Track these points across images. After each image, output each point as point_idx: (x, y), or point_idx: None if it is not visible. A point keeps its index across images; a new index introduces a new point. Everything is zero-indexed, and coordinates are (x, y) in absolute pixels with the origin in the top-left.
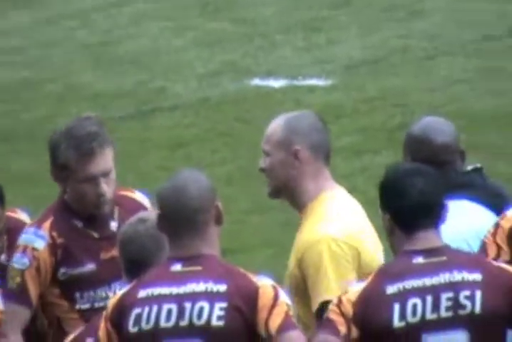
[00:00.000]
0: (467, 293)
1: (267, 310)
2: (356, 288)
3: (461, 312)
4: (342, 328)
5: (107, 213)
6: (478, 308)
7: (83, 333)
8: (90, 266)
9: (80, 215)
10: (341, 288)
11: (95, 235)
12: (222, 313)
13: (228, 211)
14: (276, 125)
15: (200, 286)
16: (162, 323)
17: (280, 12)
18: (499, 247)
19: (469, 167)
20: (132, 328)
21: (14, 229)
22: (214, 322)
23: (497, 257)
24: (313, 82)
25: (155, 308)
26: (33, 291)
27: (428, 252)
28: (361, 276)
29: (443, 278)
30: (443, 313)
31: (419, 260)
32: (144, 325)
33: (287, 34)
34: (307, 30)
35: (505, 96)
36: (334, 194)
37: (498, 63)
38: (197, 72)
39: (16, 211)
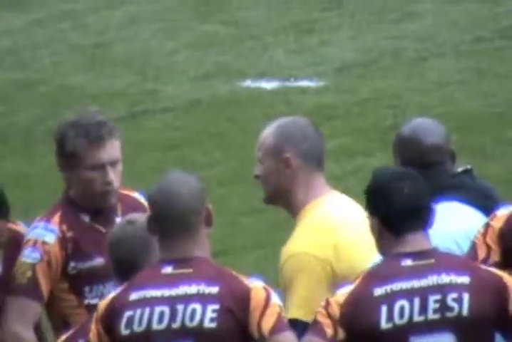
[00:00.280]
0: (455, 295)
1: (259, 311)
2: (344, 291)
3: (449, 314)
4: (329, 330)
5: (112, 207)
6: (465, 311)
7: (75, 335)
8: (99, 260)
9: (86, 209)
10: (309, 305)
11: (102, 229)
12: (214, 315)
13: (219, 213)
14: (268, 133)
15: (191, 288)
16: (155, 326)
17: (272, 14)
18: (489, 247)
19: (459, 169)
20: (124, 331)
21: (13, 242)
22: (207, 324)
23: (487, 257)
24: (305, 83)
25: (147, 311)
26: (44, 285)
27: (416, 255)
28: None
29: (431, 280)
30: (431, 316)
31: (408, 262)
32: (136, 328)
33: (279, 36)
34: (299, 32)
35: (496, 98)
36: (323, 203)
37: (489, 65)
38: (189, 74)
39: (17, 223)
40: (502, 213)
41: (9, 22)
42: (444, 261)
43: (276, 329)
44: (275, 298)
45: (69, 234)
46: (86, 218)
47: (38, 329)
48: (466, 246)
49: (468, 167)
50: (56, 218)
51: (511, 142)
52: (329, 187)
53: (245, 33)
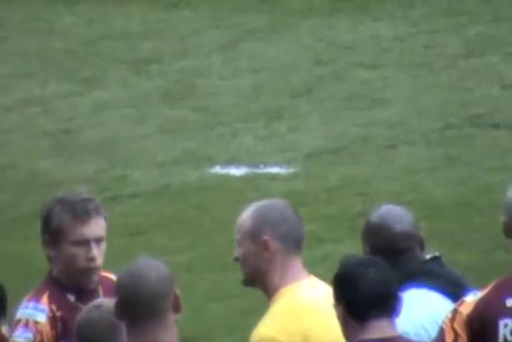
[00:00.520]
0: None
1: None
2: None
3: None
4: None
5: (95, 287)
6: None
7: None
8: None
9: (71, 288)
10: None
11: None
12: None
13: (187, 299)
14: (246, 215)
15: None
16: None
17: (241, 100)
18: (456, 334)
19: (428, 256)
20: None
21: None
22: None
23: None
24: (274, 170)
25: None
26: None
27: (381, 341)
28: None
29: None
30: None
31: None
32: None
33: (248, 122)
34: (268, 118)
35: (465, 185)
36: (295, 288)
37: (459, 152)
38: (158, 159)
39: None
40: (470, 299)
41: None
42: None
43: None
44: None
45: (58, 314)
46: (72, 297)
47: None
48: (433, 331)
49: (437, 254)
50: (45, 298)
51: (480, 229)
52: (306, 271)
53: (214, 119)
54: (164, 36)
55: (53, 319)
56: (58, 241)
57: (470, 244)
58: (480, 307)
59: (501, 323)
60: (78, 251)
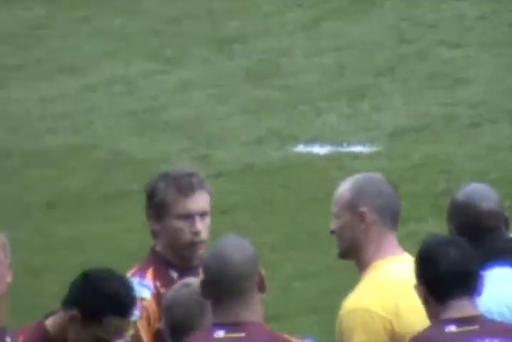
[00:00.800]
0: None
1: None
2: None
3: None
4: None
5: (199, 265)
6: None
7: None
8: None
9: (175, 265)
10: None
11: None
12: None
13: (272, 278)
14: (344, 188)
15: None
16: None
17: (324, 79)
18: None
19: None
20: None
21: None
22: None
23: None
24: (357, 149)
25: None
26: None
27: (461, 321)
28: None
29: None
30: None
31: (451, 329)
32: None
33: (332, 101)
34: (352, 97)
35: None
36: (389, 262)
37: None
38: (241, 139)
39: None
40: None
41: (63, 86)
42: (489, 328)
43: None
44: None
45: (162, 290)
46: (175, 274)
47: None
48: None
49: None
50: (149, 273)
51: None
52: (401, 248)
53: (298, 97)
54: (247, 15)
55: (157, 295)
56: (163, 216)
57: None
58: None
59: None
60: (183, 225)
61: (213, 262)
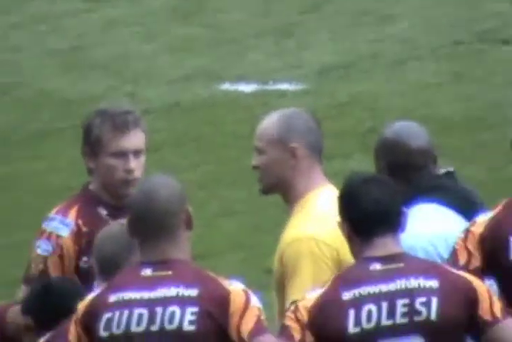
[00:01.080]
0: (423, 299)
1: (239, 315)
2: (312, 295)
3: (417, 318)
4: (297, 335)
5: None
6: (433, 315)
7: (54, 337)
8: None
9: (105, 203)
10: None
11: None
12: (193, 317)
13: (198, 216)
14: (270, 122)
15: (170, 291)
16: (133, 328)
17: (250, 17)
18: (470, 253)
19: (442, 171)
20: (103, 333)
21: None
22: (186, 327)
23: (468, 263)
24: (284, 87)
25: (125, 313)
26: None
27: (385, 259)
28: None
29: (400, 284)
30: (399, 320)
31: (376, 267)
32: (115, 330)
33: (258, 39)
34: (278, 35)
35: (474, 100)
36: (323, 192)
37: (468, 68)
38: (168, 77)
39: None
40: (482, 219)
41: None
42: (413, 265)
43: (255, 332)
44: (254, 301)
45: (84, 229)
46: (103, 212)
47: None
48: (441, 248)
49: (451, 169)
50: (73, 212)
51: (489, 145)
52: (327, 180)
53: (224, 36)
54: None
55: (77, 234)
56: (97, 153)
57: (479, 159)
58: (492, 226)
59: None
60: (116, 163)
61: (139, 199)
